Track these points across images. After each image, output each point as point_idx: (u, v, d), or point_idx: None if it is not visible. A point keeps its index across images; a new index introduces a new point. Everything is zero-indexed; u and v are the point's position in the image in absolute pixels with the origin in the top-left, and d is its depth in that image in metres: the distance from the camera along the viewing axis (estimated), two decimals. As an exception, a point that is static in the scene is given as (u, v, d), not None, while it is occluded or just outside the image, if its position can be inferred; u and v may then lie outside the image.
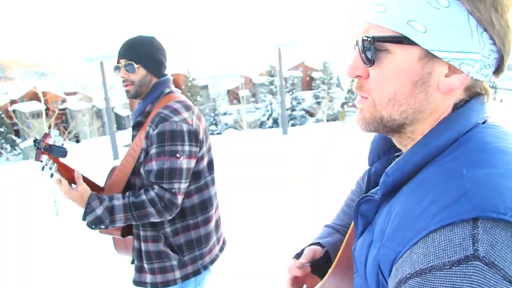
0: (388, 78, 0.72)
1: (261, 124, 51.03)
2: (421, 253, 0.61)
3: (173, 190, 1.83)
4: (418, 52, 0.69)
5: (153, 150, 1.86)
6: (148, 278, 2.01)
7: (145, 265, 2.00)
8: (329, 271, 1.08)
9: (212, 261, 2.12)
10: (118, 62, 2.00)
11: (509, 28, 0.69)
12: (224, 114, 57.13)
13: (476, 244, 0.57)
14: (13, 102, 49.33)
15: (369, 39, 0.71)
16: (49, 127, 12.19)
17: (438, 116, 0.74)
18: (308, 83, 62.43)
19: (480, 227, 0.58)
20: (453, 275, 0.57)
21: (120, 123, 58.05)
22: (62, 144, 1.73)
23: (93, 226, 1.83)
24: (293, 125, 48.59)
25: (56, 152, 1.69)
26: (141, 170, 1.94)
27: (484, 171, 0.63)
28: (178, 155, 1.85)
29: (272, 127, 49.65)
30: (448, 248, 0.58)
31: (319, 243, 1.19)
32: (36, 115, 37.89)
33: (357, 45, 0.75)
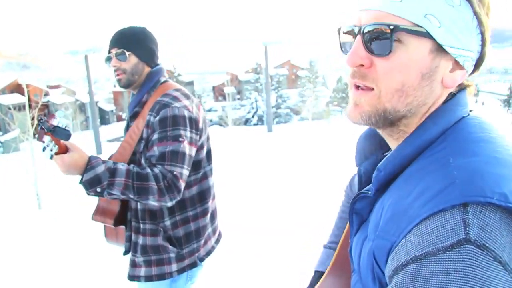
0: (398, 68, 0.71)
1: (246, 121, 50.98)
2: (416, 241, 0.63)
3: (175, 172, 1.77)
4: (430, 46, 0.71)
5: (155, 136, 1.83)
6: (143, 271, 1.97)
7: (140, 258, 1.96)
8: (325, 273, 1.12)
9: (208, 253, 2.09)
10: (109, 52, 1.98)
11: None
12: (209, 110, 56.99)
13: (467, 228, 0.59)
14: (-6, 94, 48.38)
15: (390, 27, 0.70)
16: (32, 119, 12.00)
17: (428, 109, 0.77)
18: (294, 82, 62.64)
19: (470, 212, 0.60)
20: (447, 259, 0.59)
21: (104, 117, 57.46)
22: (66, 126, 1.66)
23: (89, 188, 1.68)
24: (278, 123, 48.68)
25: (60, 134, 1.62)
26: (142, 161, 1.91)
27: (469, 159, 0.66)
28: (181, 139, 1.82)
29: (257, 124, 49.62)
30: (441, 234, 0.60)
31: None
32: (18, 108, 37.29)
33: (358, 33, 0.74)
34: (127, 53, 1.95)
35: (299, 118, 51.11)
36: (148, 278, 1.96)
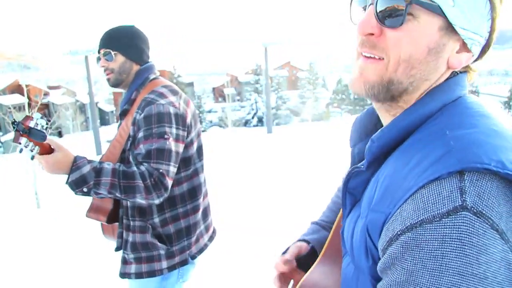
0: (407, 39, 0.72)
1: (246, 123, 50.92)
2: (411, 209, 0.62)
3: (161, 170, 1.77)
4: (440, 23, 0.71)
5: (140, 134, 1.83)
6: (133, 268, 1.97)
7: (130, 255, 1.97)
8: (318, 259, 1.13)
9: (200, 251, 2.08)
10: (98, 53, 2.00)
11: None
12: (209, 111, 56.93)
13: (464, 196, 0.58)
14: (-6, 94, 48.35)
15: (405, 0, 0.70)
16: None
17: (430, 87, 0.77)
18: (294, 83, 62.67)
19: (466, 180, 0.60)
20: (442, 227, 0.58)
21: (104, 118, 57.41)
22: (46, 128, 1.68)
23: (75, 188, 1.70)
24: (277, 124, 48.62)
25: (35, 136, 1.64)
26: (130, 158, 1.91)
27: (466, 131, 0.66)
28: (166, 136, 1.81)
29: (256, 125, 49.54)
30: (437, 201, 0.60)
31: (305, 239, 1.22)
32: (18, 108, 37.29)
33: (371, 3, 0.74)
34: (112, 52, 1.97)
35: (299, 120, 51.06)
36: (138, 275, 1.96)
